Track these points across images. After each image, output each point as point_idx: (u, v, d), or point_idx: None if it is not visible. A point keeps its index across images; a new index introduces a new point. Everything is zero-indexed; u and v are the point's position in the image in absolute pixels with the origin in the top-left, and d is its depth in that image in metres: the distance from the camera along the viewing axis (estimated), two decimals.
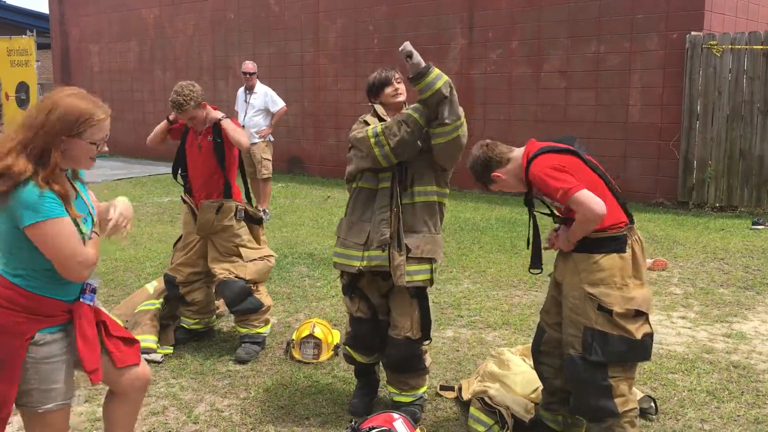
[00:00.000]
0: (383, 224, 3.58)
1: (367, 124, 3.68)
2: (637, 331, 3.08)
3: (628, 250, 3.10)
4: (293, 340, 4.73)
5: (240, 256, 4.73)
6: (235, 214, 4.74)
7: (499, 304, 5.75)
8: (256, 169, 9.14)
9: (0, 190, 2.34)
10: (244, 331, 4.77)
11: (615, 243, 3.08)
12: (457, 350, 4.82)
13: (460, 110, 3.45)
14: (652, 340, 3.16)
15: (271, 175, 9.33)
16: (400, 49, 3.39)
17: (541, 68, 10.73)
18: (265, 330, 4.80)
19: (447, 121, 3.41)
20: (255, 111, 9.27)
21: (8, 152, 2.38)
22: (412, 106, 3.55)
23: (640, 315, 3.10)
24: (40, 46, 16.64)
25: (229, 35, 14.64)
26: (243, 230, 4.80)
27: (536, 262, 3.35)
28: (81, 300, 2.62)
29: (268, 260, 4.83)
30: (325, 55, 13.19)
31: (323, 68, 13.24)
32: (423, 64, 3.37)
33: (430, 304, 3.82)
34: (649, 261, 6.80)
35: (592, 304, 3.07)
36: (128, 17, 16.68)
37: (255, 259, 4.76)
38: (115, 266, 6.94)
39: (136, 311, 4.96)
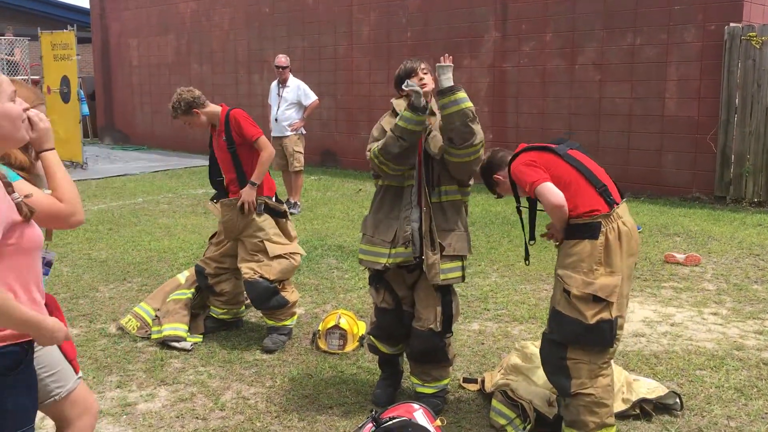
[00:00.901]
0: (407, 222, 3.62)
1: (384, 131, 3.69)
2: (592, 316, 3.15)
3: (601, 237, 3.17)
4: (319, 330, 4.78)
5: (265, 251, 4.72)
6: (256, 208, 4.77)
7: (526, 298, 5.73)
8: (288, 162, 9.24)
9: None
10: (270, 323, 4.83)
11: (588, 229, 3.19)
12: (482, 343, 4.83)
13: (479, 138, 3.48)
14: (611, 328, 3.18)
15: (302, 168, 9.41)
16: (437, 65, 3.49)
17: (575, 61, 10.61)
18: (290, 322, 4.86)
19: (475, 142, 3.45)
20: (288, 104, 9.35)
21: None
22: (400, 116, 3.50)
23: (599, 301, 3.15)
24: (81, 41, 16.96)
25: (264, 29, 14.76)
26: (267, 223, 4.79)
27: (527, 255, 3.68)
28: (47, 272, 2.61)
29: (293, 258, 4.81)
30: (358, 48, 13.22)
31: (356, 62, 13.28)
32: (449, 83, 3.44)
33: (457, 297, 3.86)
34: (681, 256, 6.70)
35: (559, 285, 3.25)
36: (166, 11, 16.91)
37: (280, 256, 4.74)
38: (149, 256, 7.08)
39: (167, 300, 5.06)
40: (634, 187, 10.01)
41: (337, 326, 4.69)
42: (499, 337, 4.91)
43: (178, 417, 3.84)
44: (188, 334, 4.85)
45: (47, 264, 2.65)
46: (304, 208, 9.49)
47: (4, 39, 15.14)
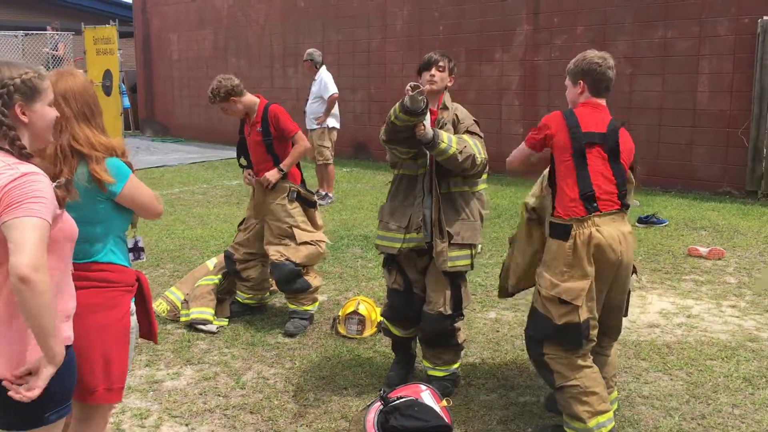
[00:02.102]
0: (419, 208, 3.78)
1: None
2: (560, 317, 3.22)
3: (570, 240, 3.21)
4: (339, 316, 4.96)
5: (293, 237, 4.92)
6: (288, 195, 4.97)
7: None
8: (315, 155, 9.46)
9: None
10: (293, 307, 5.03)
11: (559, 230, 3.27)
12: (497, 331, 4.95)
13: (479, 157, 3.66)
14: (580, 331, 3.20)
15: (328, 162, 9.52)
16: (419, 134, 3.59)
17: None
18: (312, 308, 5.04)
19: (476, 170, 3.73)
20: (314, 98, 9.55)
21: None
22: (394, 110, 3.58)
23: (566, 303, 3.20)
24: (123, 35, 17.41)
25: (300, 23, 14.98)
26: (296, 211, 5.00)
27: None
28: (140, 258, 2.85)
29: (319, 245, 4.99)
30: (391, 42, 13.36)
31: (390, 55, 13.41)
32: (430, 135, 3.54)
33: (467, 283, 3.99)
34: (704, 250, 6.71)
35: (538, 282, 3.34)
36: (204, 7, 17.25)
37: (307, 242, 4.94)
38: (182, 244, 7.34)
39: (196, 285, 5.28)
40: (664, 180, 9.98)
41: (356, 312, 4.86)
42: (514, 326, 5.03)
43: (201, 394, 4.05)
44: (214, 317, 5.06)
45: (140, 249, 2.90)
46: (334, 199, 9.67)
47: (48, 34, 15.62)
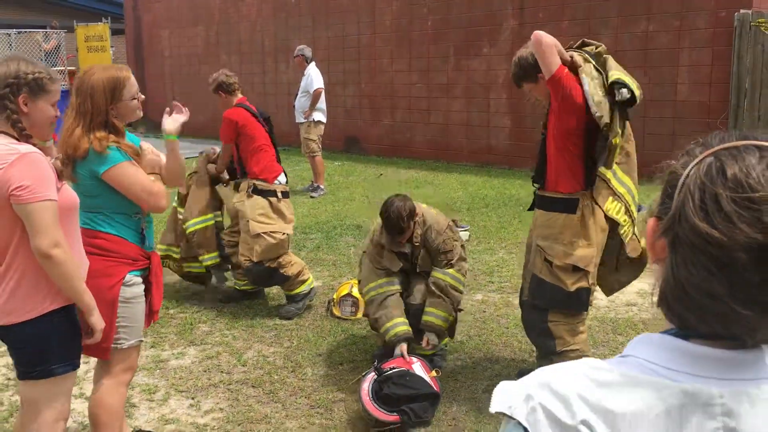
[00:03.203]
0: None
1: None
2: (573, 284, 3.52)
3: (578, 213, 3.50)
4: (333, 298, 5.22)
5: (248, 231, 5.07)
6: (248, 191, 5.18)
7: None
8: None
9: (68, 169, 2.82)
10: (285, 292, 5.29)
11: (566, 204, 3.52)
12: (484, 311, 5.23)
13: (462, 288, 4.15)
14: (588, 294, 3.56)
15: (315, 153, 9.77)
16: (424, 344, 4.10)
17: None
18: (303, 288, 5.24)
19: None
20: (302, 92, 9.88)
21: (80, 139, 2.87)
22: None
23: (578, 270, 3.50)
24: (115, 32, 17.57)
25: (290, 19, 15.20)
26: (253, 205, 5.12)
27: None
28: (143, 243, 3.10)
29: (272, 236, 5.06)
30: (380, 37, 13.60)
31: (379, 50, 13.65)
32: (435, 342, 4.13)
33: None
34: None
35: (540, 255, 3.56)
36: (196, 3, 17.43)
37: (259, 235, 5.03)
38: None
39: (190, 230, 5.40)
40: (648, 170, 10.23)
41: (349, 294, 5.13)
42: (500, 306, 5.31)
43: (205, 371, 4.31)
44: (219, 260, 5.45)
45: (144, 234, 3.10)
46: (326, 191, 9.93)
47: (47, 32, 15.76)
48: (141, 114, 3.06)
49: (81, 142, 2.84)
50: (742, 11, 9.35)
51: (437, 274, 4.04)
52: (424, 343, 4.06)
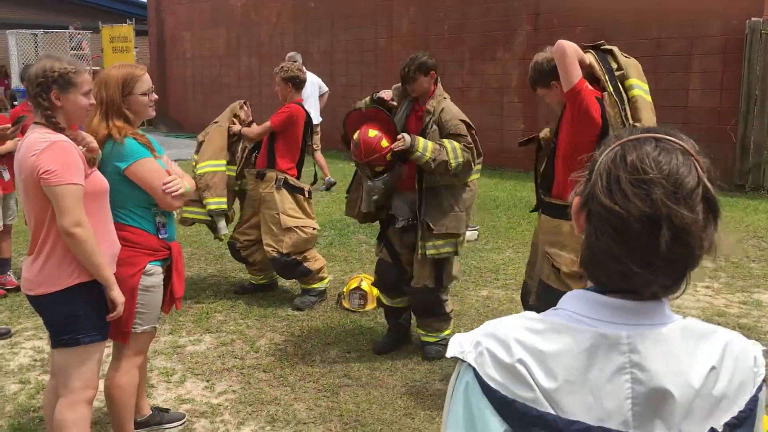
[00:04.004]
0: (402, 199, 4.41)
1: None
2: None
3: None
4: (343, 291, 5.45)
5: (279, 223, 5.26)
6: (275, 183, 5.34)
7: None
8: None
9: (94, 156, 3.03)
10: (301, 285, 5.52)
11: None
12: (488, 306, 5.43)
13: (451, 166, 4.06)
14: None
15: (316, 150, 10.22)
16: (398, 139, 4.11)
17: None
18: (318, 285, 5.50)
19: (451, 173, 4.13)
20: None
21: (98, 125, 3.11)
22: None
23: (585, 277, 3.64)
24: (139, 33, 17.96)
25: (309, 23, 15.48)
26: (283, 198, 5.30)
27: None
28: (163, 235, 3.33)
29: (303, 231, 5.29)
30: (397, 41, 13.83)
31: (396, 54, 13.88)
32: (408, 144, 4.05)
33: (453, 259, 4.44)
34: None
35: (548, 262, 3.61)
36: (218, 5, 17.77)
37: (291, 229, 5.24)
38: (198, 230, 7.82)
39: (200, 173, 5.45)
40: None
41: (358, 288, 5.35)
42: (504, 302, 5.51)
43: (219, 356, 4.56)
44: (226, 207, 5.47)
45: (162, 227, 3.33)
46: (341, 190, 10.17)
47: (69, 33, 16.18)
48: (153, 113, 3.23)
49: (99, 127, 3.07)
50: (753, 19, 9.48)
51: (444, 140, 4.13)
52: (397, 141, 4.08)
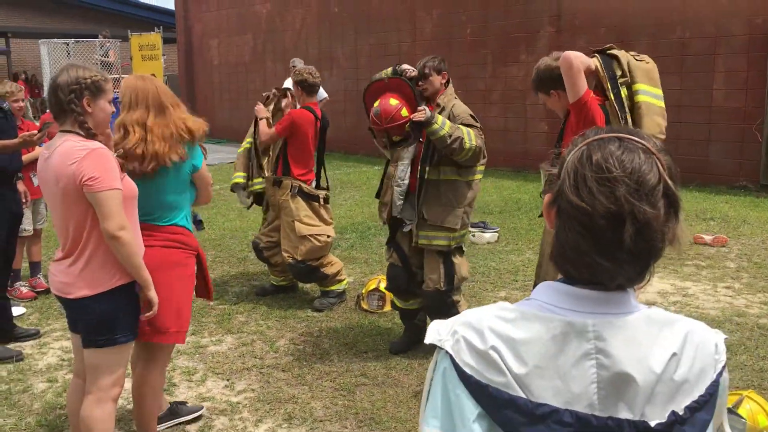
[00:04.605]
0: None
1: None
2: None
3: None
4: (362, 293, 5.53)
5: (295, 230, 5.34)
6: (290, 191, 5.42)
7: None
8: None
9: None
10: (320, 288, 5.62)
11: None
12: None
13: (465, 146, 4.09)
14: None
15: None
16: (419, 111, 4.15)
17: None
18: (338, 287, 5.59)
19: (462, 153, 4.15)
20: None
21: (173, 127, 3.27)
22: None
23: None
24: (167, 41, 18.26)
25: (333, 28, 15.62)
26: (298, 206, 5.39)
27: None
28: (202, 228, 3.47)
29: (317, 239, 5.34)
30: (420, 45, 13.90)
31: (419, 57, 13.89)
32: (428, 116, 4.09)
33: (462, 260, 4.49)
34: (709, 237, 7.13)
35: (551, 265, 3.63)
36: (244, 13, 18.01)
37: (305, 237, 5.32)
38: (222, 234, 7.99)
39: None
40: (682, 176, 10.29)
41: (377, 289, 5.42)
42: None
43: (239, 356, 4.66)
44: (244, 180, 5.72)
45: (200, 221, 3.53)
46: (364, 193, 10.26)
47: (98, 41, 16.51)
48: None
49: (174, 129, 3.23)
50: None
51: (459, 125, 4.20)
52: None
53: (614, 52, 3.56)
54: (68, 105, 2.85)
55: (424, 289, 4.43)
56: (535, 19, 12.06)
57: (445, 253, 4.38)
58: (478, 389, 1.11)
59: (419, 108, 4.17)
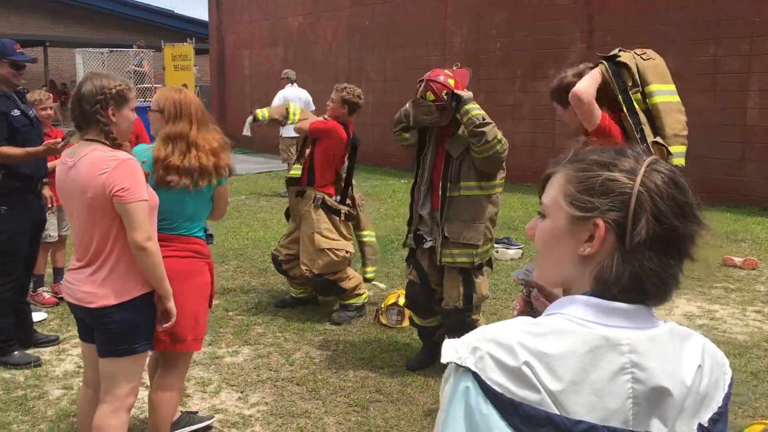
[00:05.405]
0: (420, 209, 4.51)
1: None
2: None
3: None
4: (381, 307, 5.48)
5: (314, 242, 5.32)
6: (313, 202, 5.40)
7: None
8: None
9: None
10: (339, 301, 5.58)
11: None
12: None
13: (491, 136, 4.04)
14: None
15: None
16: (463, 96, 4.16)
17: None
18: (356, 301, 5.55)
19: (488, 139, 4.06)
20: None
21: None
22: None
23: None
24: (199, 52, 18.48)
25: (363, 41, 15.67)
26: (320, 218, 5.37)
27: None
28: (212, 242, 3.48)
29: (335, 254, 5.31)
30: (450, 58, 13.85)
31: None
32: (470, 95, 4.12)
33: (483, 279, 4.42)
34: (739, 260, 6.95)
35: None
36: (276, 25, 18.17)
37: (323, 251, 5.29)
38: (245, 244, 8.01)
39: None
40: (715, 196, 10.14)
41: (396, 304, 5.37)
42: None
43: (255, 368, 4.63)
44: None
45: (211, 235, 3.58)
46: (389, 206, 10.23)
47: (132, 51, 16.75)
48: None
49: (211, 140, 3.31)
50: None
51: None
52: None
53: (622, 58, 3.47)
54: (94, 115, 2.86)
55: (444, 306, 4.37)
56: (565, 35, 11.96)
57: (466, 271, 4.31)
58: (510, 408, 1.05)
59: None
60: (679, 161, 3.43)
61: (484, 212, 4.30)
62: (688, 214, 1.10)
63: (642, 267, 1.10)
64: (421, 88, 4.26)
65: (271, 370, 4.61)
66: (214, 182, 3.23)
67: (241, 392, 4.30)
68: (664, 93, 3.43)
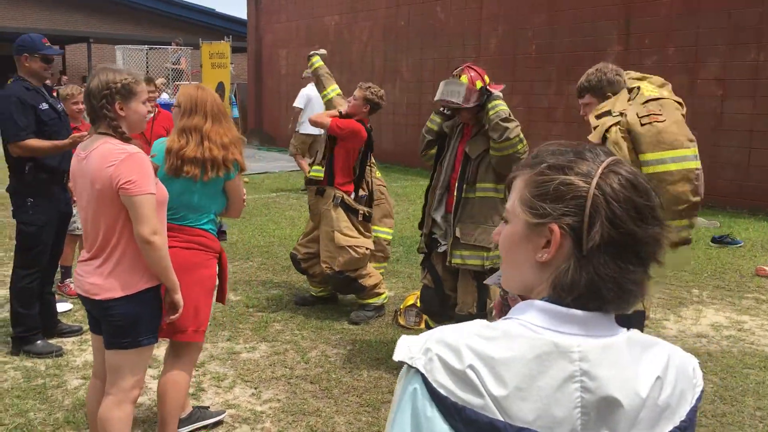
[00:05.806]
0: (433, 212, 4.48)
1: None
2: None
3: None
4: (400, 308, 5.45)
5: (333, 240, 5.32)
6: (333, 201, 5.40)
7: None
8: None
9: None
10: (358, 300, 5.57)
11: None
12: None
13: (513, 133, 4.03)
14: (643, 318, 3.50)
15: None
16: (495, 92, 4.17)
17: (697, 75, 10.62)
18: (375, 300, 5.54)
19: (510, 136, 4.04)
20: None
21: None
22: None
23: None
24: (237, 50, 18.66)
25: (399, 41, 15.65)
26: (339, 217, 5.37)
27: None
28: (224, 239, 3.50)
29: (355, 251, 5.32)
30: (484, 60, 13.76)
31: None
32: (500, 93, 4.15)
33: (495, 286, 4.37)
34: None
35: None
36: (313, 24, 18.25)
37: (344, 248, 5.29)
38: (271, 241, 8.05)
39: None
40: (753, 203, 9.89)
41: (414, 305, 5.34)
42: None
43: (270, 365, 4.65)
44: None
45: (224, 231, 3.62)
46: (417, 207, 10.17)
47: (171, 49, 17.00)
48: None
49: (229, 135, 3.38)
50: None
51: None
52: None
53: (610, 134, 3.39)
54: (101, 110, 2.89)
55: (458, 312, 4.33)
56: (602, 37, 11.78)
57: (480, 276, 4.27)
58: (453, 412, 1.03)
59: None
60: (694, 164, 3.36)
61: (498, 214, 4.25)
62: (647, 217, 1.06)
63: (598, 273, 1.06)
64: (458, 69, 4.27)
65: (286, 367, 4.62)
66: (221, 175, 3.26)
67: (255, 388, 4.31)
68: (656, 163, 3.33)
